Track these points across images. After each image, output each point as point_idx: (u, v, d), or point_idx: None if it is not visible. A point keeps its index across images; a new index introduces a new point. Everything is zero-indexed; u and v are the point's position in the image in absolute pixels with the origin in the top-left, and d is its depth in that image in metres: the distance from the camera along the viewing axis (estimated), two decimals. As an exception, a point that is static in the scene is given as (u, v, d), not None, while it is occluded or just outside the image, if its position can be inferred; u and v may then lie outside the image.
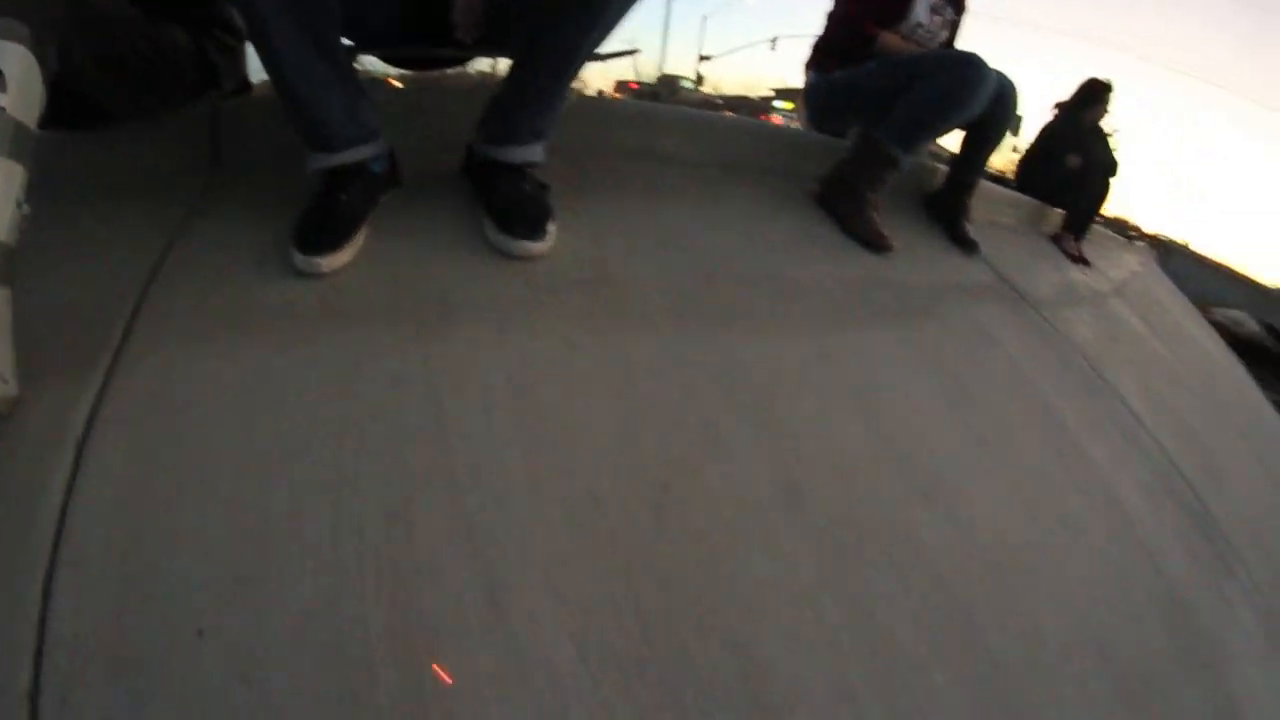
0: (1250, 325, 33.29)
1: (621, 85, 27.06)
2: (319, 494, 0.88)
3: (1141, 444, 2.22)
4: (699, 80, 33.76)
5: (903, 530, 1.22)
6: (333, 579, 0.80)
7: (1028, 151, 4.94)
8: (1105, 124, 4.91)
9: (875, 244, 2.20)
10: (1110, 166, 4.81)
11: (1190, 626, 1.85)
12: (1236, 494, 3.26)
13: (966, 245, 2.62)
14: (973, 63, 2.25)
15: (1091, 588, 1.54)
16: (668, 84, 31.75)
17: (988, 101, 2.29)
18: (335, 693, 0.71)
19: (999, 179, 5.29)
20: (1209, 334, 10.57)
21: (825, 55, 2.68)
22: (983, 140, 2.61)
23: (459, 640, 0.79)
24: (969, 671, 1.07)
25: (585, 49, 1.29)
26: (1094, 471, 1.87)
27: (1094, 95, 4.72)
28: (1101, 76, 4.82)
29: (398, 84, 2.36)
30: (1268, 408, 10.38)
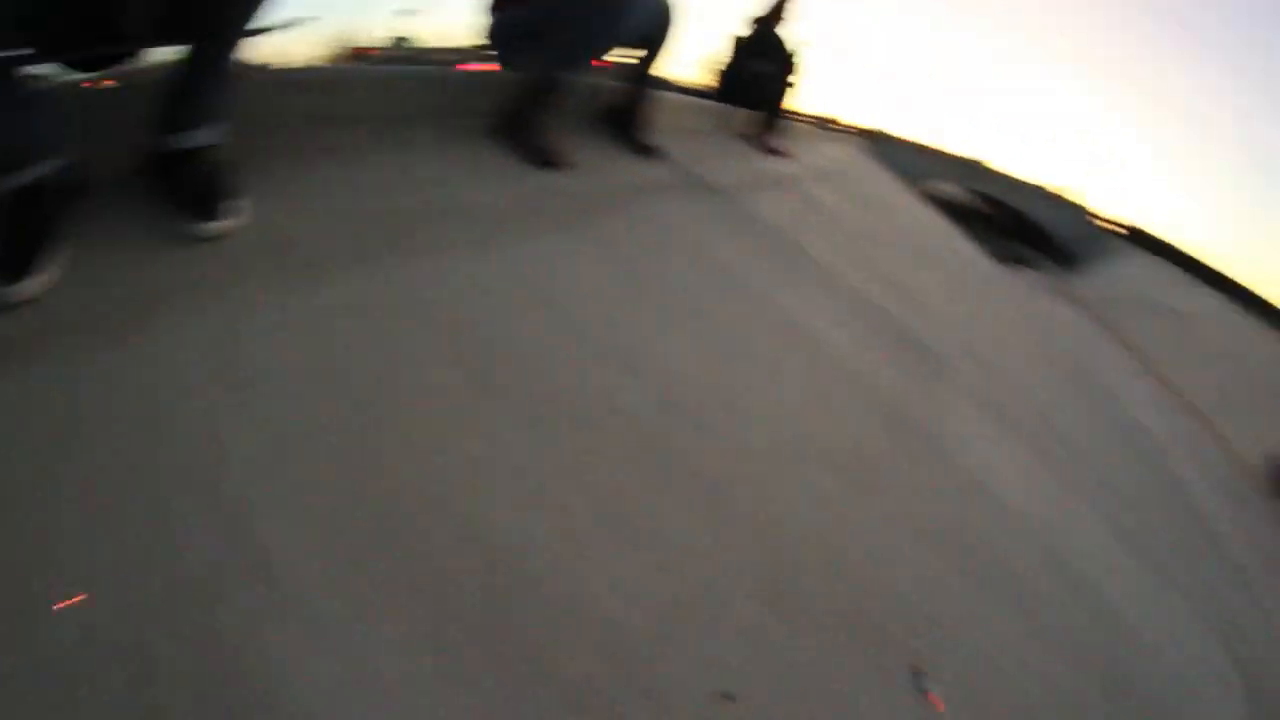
0: (962, 194, 38.41)
1: (360, 51, 25.57)
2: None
3: (834, 289, 2.41)
4: (402, 40, 32.09)
5: (604, 398, 1.32)
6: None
7: (726, 63, 5.20)
8: (792, 35, 5.30)
9: (550, 162, 2.20)
10: (789, 67, 5.17)
11: (908, 423, 2.09)
12: (943, 318, 3.69)
13: (647, 151, 2.69)
14: None
15: (802, 406, 1.71)
16: (401, 44, 30.22)
17: (647, 19, 2.34)
18: None
19: (701, 92, 5.53)
20: (919, 204, 11.99)
21: None
22: (649, 52, 2.68)
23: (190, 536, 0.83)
24: (691, 494, 1.22)
25: (237, 26, 1.32)
26: (785, 315, 2.00)
27: (781, 5, 5.07)
28: None
29: (75, 86, 2.07)
30: (979, 256, 11.92)
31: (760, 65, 4.90)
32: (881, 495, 1.67)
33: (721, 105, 4.45)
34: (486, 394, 1.22)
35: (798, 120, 7.14)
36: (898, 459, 1.90)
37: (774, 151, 4.44)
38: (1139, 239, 34.87)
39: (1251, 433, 16.44)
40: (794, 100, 5.17)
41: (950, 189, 37.79)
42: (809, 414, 1.72)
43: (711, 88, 5.06)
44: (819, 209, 3.51)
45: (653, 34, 2.52)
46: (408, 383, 1.18)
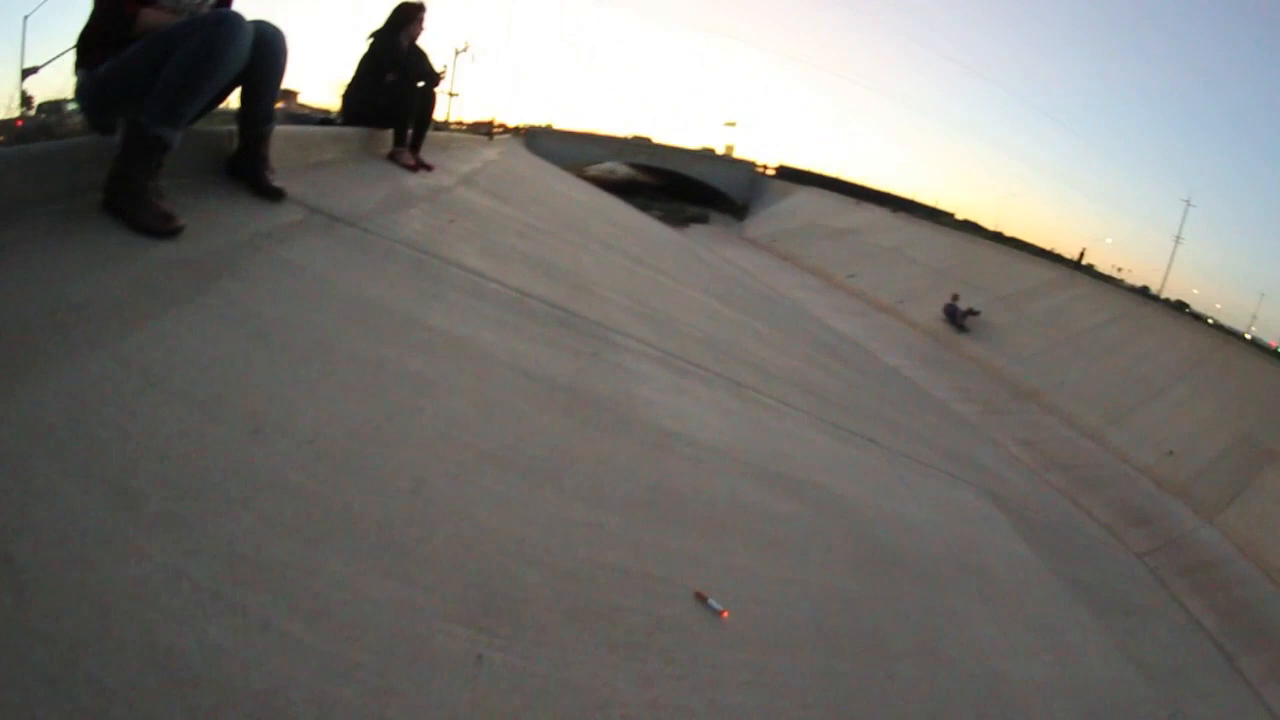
0: (622, 170, 41.06)
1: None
2: None
3: (486, 293, 2.55)
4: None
5: (247, 475, 1.24)
6: None
7: (348, 84, 5.00)
8: (430, 45, 5.21)
9: (163, 230, 2.05)
10: (432, 79, 5.14)
11: (591, 401, 2.25)
12: (612, 291, 4.01)
13: (271, 194, 2.60)
14: (225, 19, 2.12)
15: (472, 419, 1.75)
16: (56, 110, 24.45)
17: (248, 52, 2.24)
18: None
19: (333, 119, 5.35)
20: (581, 185, 12.72)
21: (89, 49, 2.33)
22: (258, 89, 2.56)
23: None
24: (363, 545, 1.12)
25: None
26: (437, 332, 2.06)
27: (407, 16, 4.83)
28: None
29: None
30: (650, 223, 12.86)
31: (391, 77, 4.78)
32: (573, 477, 1.76)
33: (359, 130, 4.36)
34: (120, 505, 1.10)
35: (452, 130, 7.22)
36: (587, 438, 2.01)
37: (417, 167, 4.47)
38: (794, 176, 39.61)
39: (933, 305, 19.72)
40: (440, 111, 5.18)
41: (616, 168, 40.49)
42: (480, 424, 1.76)
43: (343, 112, 4.89)
44: (469, 215, 3.64)
45: (260, 68, 2.43)
46: (45, 520, 1.03)
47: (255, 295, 1.82)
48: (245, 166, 2.65)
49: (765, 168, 41.68)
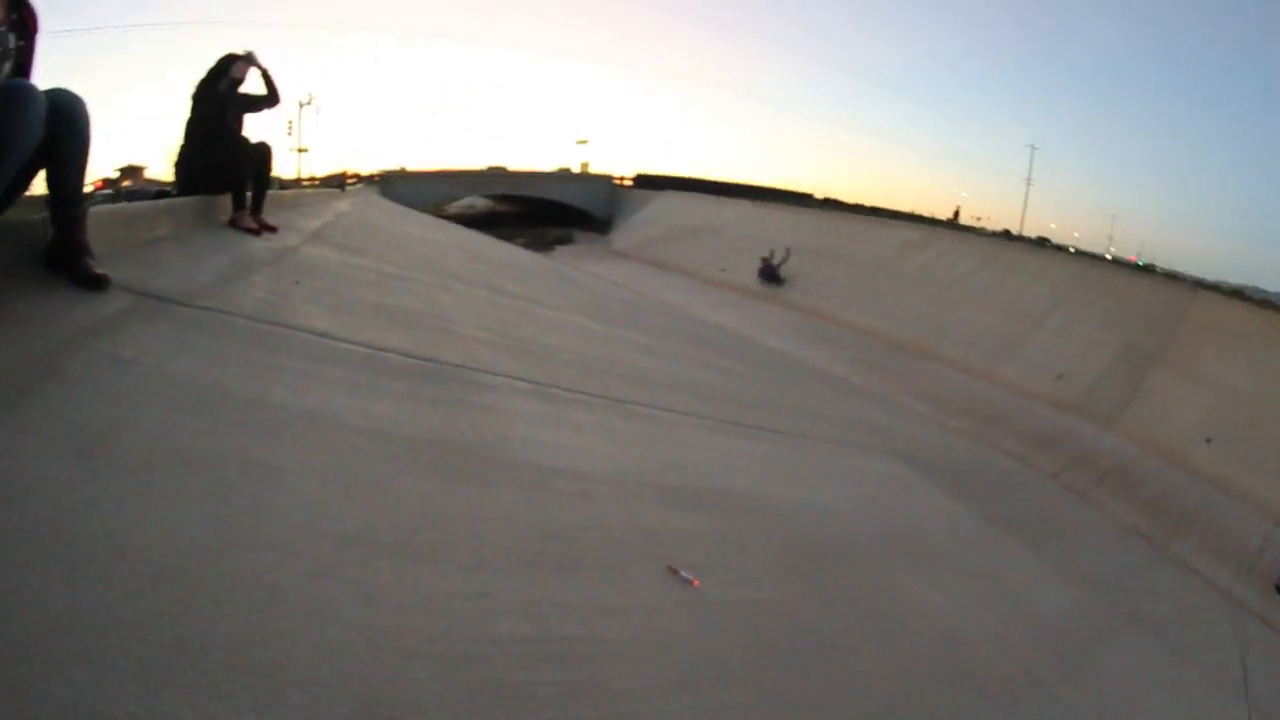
0: (481, 204, 40.76)
1: None
2: None
3: (334, 354, 2.49)
4: None
5: (67, 607, 1.10)
6: None
7: (178, 150, 4.70)
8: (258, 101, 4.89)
9: None
10: (260, 102, 4.85)
11: (464, 450, 2.21)
12: (475, 328, 3.96)
13: (94, 283, 2.44)
14: (14, 91, 2.00)
15: (325, 501, 1.64)
16: None
17: (42, 127, 2.10)
18: None
19: (163, 190, 5.07)
20: (439, 225, 12.53)
21: None
22: (63, 166, 2.40)
23: None
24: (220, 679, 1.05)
25: None
26: (282, 408, 1.98)
27: (225, 64, 4.55)
28: (234, 49, 4.64)
29: None
30: (513, 251, 12.79)
31: (222, 143, 4.52)
32: (448, 545, 1.66)
33: (194, 199, 4.15)
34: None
35: (304, 186, 6.98)
36: (460, 495, 1.92)
37: (260, 229, 4.31)
38: (652, 183, 40.51)
39: (807, 285, 20.44)
40: (290, 169, 4.97)
41: (474, 202, 40.17)
42: (337, 506, 1.65)
43: (177, 182, 4.62)
44: (316, 274, 3.55)
45: (60, 142, 2.28)
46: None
47: (76, 401, 1.70)
48: (62, 256, 2.49)
49: (622, 179, 42.60)
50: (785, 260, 21.39)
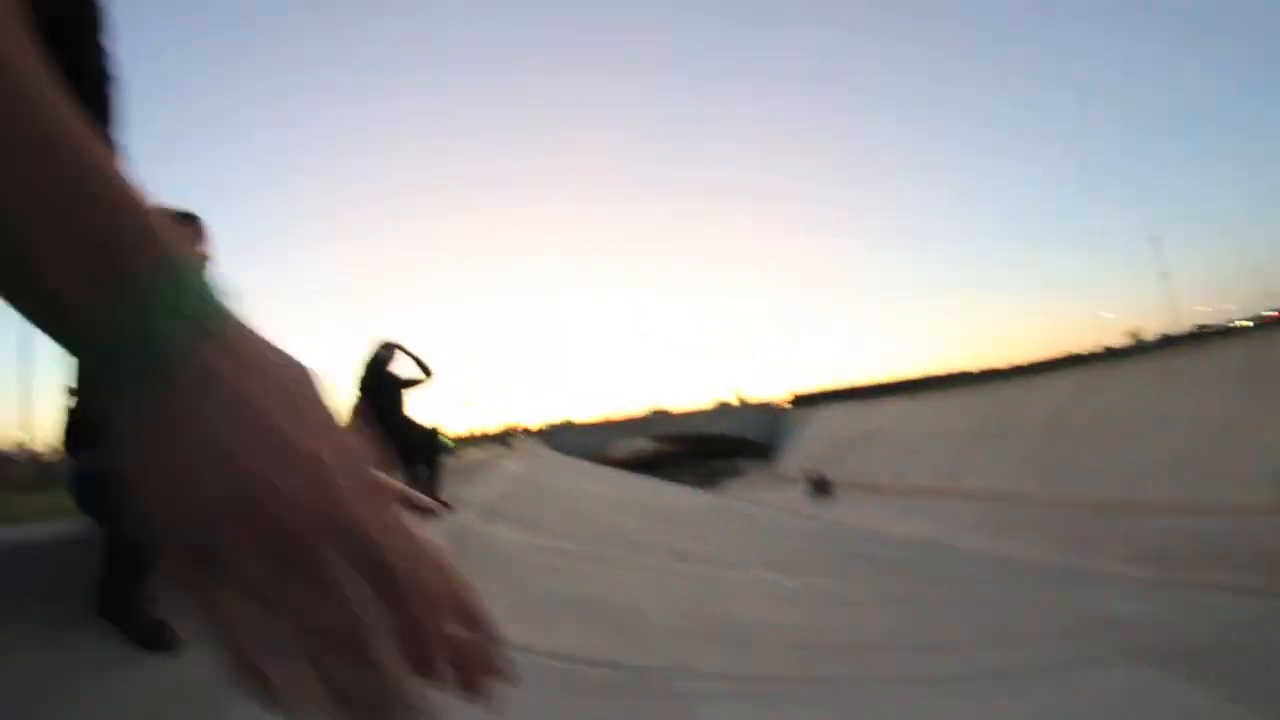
0: (647, 445, 41.87)
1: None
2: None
3: (530, 671, 2.09)
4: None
5: None
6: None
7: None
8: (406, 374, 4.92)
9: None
10: (411, 383, 4.78)
11: None
12: (654, 623, 3.48)
13: (159, 644, 1.85)
14: None
15: None
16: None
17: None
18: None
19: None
20: (611, 476, 12.53)
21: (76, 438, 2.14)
22: None
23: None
24: None
25: None
26: None
27: (383, 359, 4.58)
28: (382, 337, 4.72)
29: None
30: (680, 492, 12.46)
31: (393, 430, 4.51)
32: None
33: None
34: None
35: (470, 440, 7.05)
36: None
37: (425, 511, 4.18)
38: (809, 400, 40.40)
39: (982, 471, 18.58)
40: (459, 424, 4.93)
41: (640, 444, 41.18)
42: None
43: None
44: (494, 562, 3.24)
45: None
46: None
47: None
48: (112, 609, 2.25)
49: (779, 402, 42.60)
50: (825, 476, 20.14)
